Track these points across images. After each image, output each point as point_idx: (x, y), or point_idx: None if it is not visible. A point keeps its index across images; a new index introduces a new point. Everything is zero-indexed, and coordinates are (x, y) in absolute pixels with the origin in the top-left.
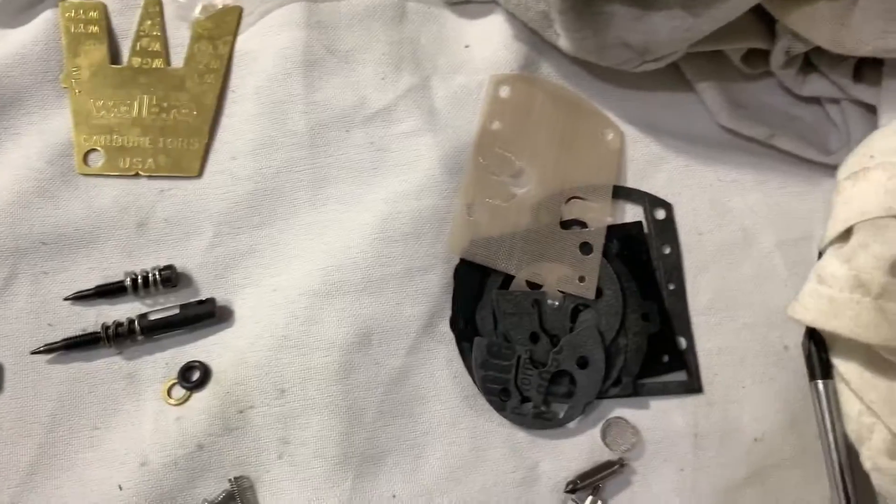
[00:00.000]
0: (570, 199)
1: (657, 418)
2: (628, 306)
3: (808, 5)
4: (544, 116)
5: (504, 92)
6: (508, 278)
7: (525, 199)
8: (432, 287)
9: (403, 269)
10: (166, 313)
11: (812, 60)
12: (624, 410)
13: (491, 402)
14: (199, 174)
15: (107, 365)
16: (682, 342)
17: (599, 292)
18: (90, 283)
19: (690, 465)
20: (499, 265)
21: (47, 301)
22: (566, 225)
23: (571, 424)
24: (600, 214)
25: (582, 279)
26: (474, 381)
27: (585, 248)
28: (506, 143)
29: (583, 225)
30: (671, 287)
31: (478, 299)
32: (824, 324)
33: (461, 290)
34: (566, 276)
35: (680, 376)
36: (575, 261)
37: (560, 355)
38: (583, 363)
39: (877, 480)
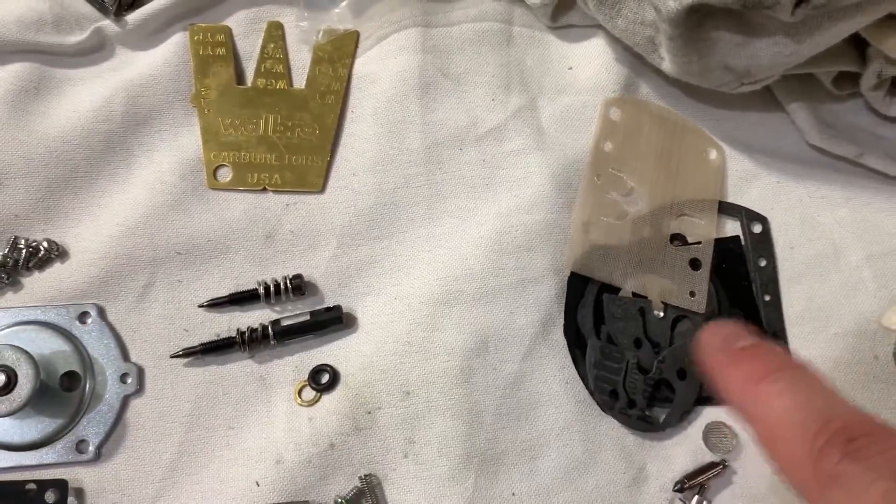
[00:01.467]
0: (678, 216)
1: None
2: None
3: None
4: (652, 137)
5: (615, 114)
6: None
7: (636, 216)
8: (544, 297)
9: (517, 280)
10: (297, 319)
11: None
12: (723, 414)
13: (601, 403)
14: (322, 189)
15: (240, 368)
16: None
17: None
18: (222, 291)
19: None
20: (613, 280)
21: (182, 308)
22: (673, 240)
23: (670, 429)
24: (707, 231)
25: (692, 294)
26: (585, 383)
27: (695, 263)
28: (617, 163)
29: (687, 241)
30: (767, 298)
31: (571, 297)
32: None
33: (574, 300)
34: (676, 290)
35: None
36: (685, 276)
37: (663, 364)
38: (682, 374)
39: None
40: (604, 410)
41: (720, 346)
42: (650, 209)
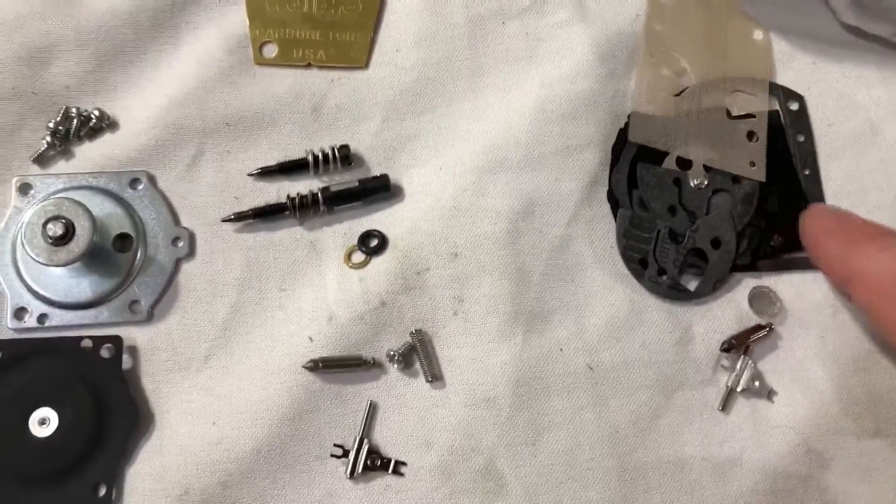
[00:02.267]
0: (732, 92)
1: (799, 290)
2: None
3: None
4: (700, 18)
5: None
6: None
7: (692, 92)
8: (588, 164)
9: (561, 147)
10: (346, 186)
11: None
12: (768, 281)
13: (630, 270)
14: (366, 65)
15: (290, 234)
16: None
17: (737, 179)
18: (270, 161)
19: (830, 333)
20: (676, 151)
21: (232, 177)
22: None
23: (702, 298)
24: (761, 105)
25: (752, 164)
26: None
27: (751, 135)
28: (669, 44)
29: (745, 116)
30: (806, 172)
31: (614, 164)
32: None
33: (618, 167)
34: (736, 160)
35: None
36: (744, 146)
37: (696, 234)
38: (716, 243)
39: None
40: (636, 278)
41: (832, 214)
42: (705, 86)
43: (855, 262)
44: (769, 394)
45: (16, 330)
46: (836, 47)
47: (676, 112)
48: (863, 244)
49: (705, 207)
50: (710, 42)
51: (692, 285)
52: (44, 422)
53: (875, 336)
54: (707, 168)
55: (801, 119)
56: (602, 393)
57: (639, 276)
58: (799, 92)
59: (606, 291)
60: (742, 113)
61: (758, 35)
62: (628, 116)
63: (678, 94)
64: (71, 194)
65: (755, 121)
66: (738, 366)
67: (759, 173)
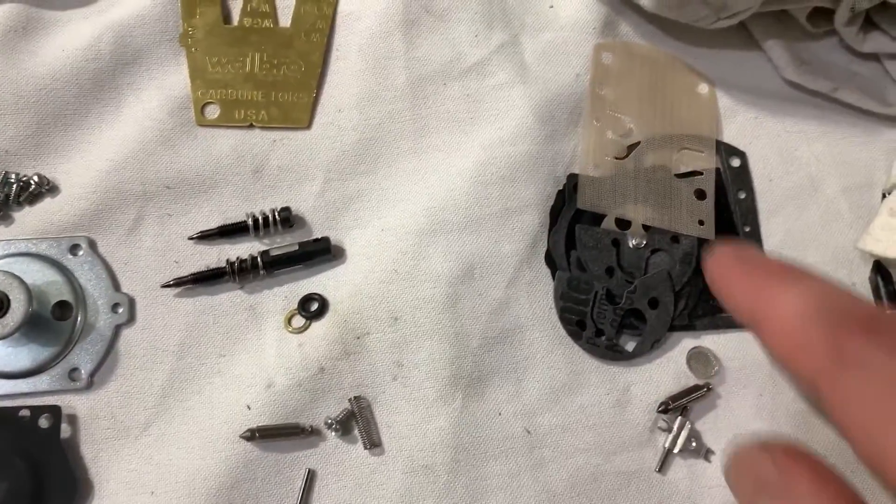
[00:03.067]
0: (679, 150)
1: (737, 349)
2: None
3: None
4: (644, 77)
5: (607, 59)
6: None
7: (638, 152)
8: (528, 225)
9: (501, 210)
10: (286, 250)
11: (873, 19)
12: (706, 340)
13: (568, 332)
14: (309, 125)
15: (230, 298)
16: None
17: (676, 239)
18: (211, 224)
19: (769, 392)
20: (621, 213)
21: (172, 241)
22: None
23: (654, 354)
24: (708, 162)
25: (701, 222)
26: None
27: (700, 193)
28: (614, 105)
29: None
30: (747, 229)
31: (553, 225)
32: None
33: (556, 228)
34: (685, 220)
35: None
36: (692, 205)
37: (634, 294)
38: (654, 303)
39: None
40: (574, 340)
41: (735, 254)
42: (651, 146)
43: (759, 304)
44: (706, 453)
45: None
46: (779, 101)
47: (623, 175)
48: (767, 283)
49: (643, 267)
50: (655, 100)
51: (630, 346)
52: None
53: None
54: (646, 228)
55: (743, 175)
56: (540, 457)
57: (576, 337)
58: (741, 148)
59: (545, 353)
60: (689, 170)
61: (702, 89)
62: (567, 178)
63: (624, 157)
64: (9, 261)
65: (703, 178)
66: (676, 427)
67: (708, 232)
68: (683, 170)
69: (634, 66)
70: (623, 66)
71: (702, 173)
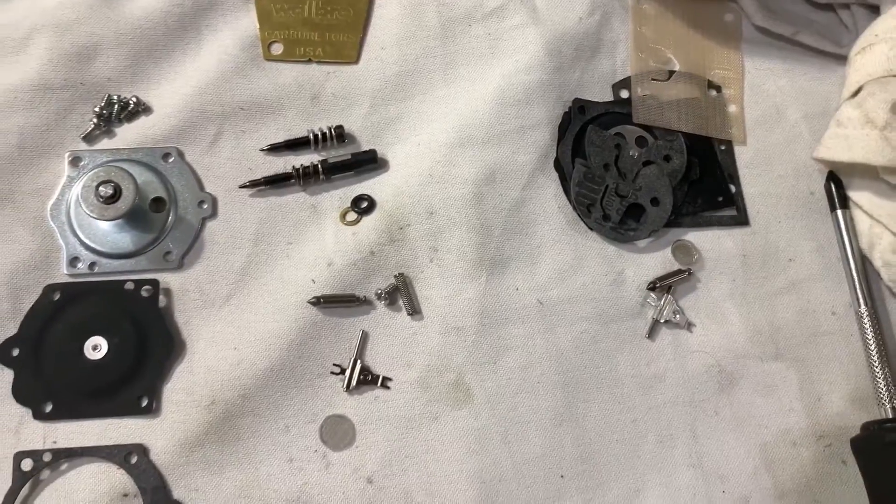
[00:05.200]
0: (712, 70)
1: (714, 243)
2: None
3: None
4: (678, 13)
5: (644, 4)
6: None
7: (678, 75)
8: (539, 140)
9: (517, 127)
10: (341, 159)
11: None
12: (689, 235)
13: (580, 213)
14: (357, 60)
15: (294, 199)
16: (732, 188)
17: (668, 158)
18: (278, 139)
19: (741, 277)
20: (672, 126)
21: (246, 152)
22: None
23: (640, 243)
24: (736, 78)
25: (732, 129)
26: (569, 198)
27: (730, 104)
28: (654, 40)
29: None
30: (723, 148)
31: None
32: (842, 156)
33: (563, 141)
34: (720, 125)
35: (731, 212)
36: (725, 116)
37: (639, 192)
38: (655, 202)
39: (885, 274)
40: (583, 221)
41: None
42: (689, 69)
43: None
44: (688, 325)
45: (71, 275)
46: (749, 45)
47: (667, 94)
48: None
49: (635, 173)
50: (688, 30)
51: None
52: (96, 348)
53: None
54: (640, 144)
55: None
56: (550, 323)
57: (586, 216)
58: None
59: (554, 242)
60: (721, 86)
61: (728, 17)
62: (573, 101)
63: (667, 79)
64: (113, 166)
65: (732, 92)
66: (662, 302)
67: (739, 136)
68: (716, 85)
69: (668, 4)
70: (658, 7)
71: (731, 89)
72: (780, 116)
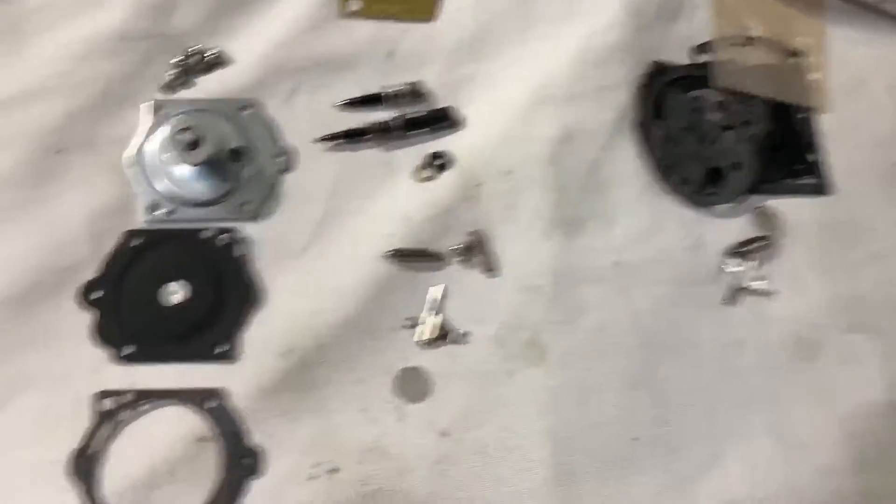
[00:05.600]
0: (794, 37)
1: (794, 210)
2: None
3: None
4: None
5: None
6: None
7: (760, 41)
8: (618, 100)
9: (596, 87)
10: (417, 115)
11: None
12: (769, 203)
13: (659, 176)
14: (433, 19)
15: (370, 155)
16: (813, 156)
17: (747, 122)
18: (354, 95)
19: (821, 247)
20: (752, 91)
21: (322, 107)
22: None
23: (719, 208)
24: (818, 44)
25: (815, 94)
26: (648, 161)
27: (812, 70)
28: (736, 5)
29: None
30: (804, 116)
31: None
32: None
33: (647, 100)
34: (803, 93)
35: (810, 180)
36: (806, 82)
37: (720, 156)
38: (738, 166)
39: None
40: (662, 184)
41: None
42: (768, 34)
43: None
44: (768, 293)
45: (149, 222)
46: (832, 12)
47: (747, 60)
48: None
49: (714, 137)
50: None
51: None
52: (174, 293)
53: None
54: (720, 108)
55: None
56: (626, 284)
57: (665, 180)
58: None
59: (631, 204)
60: (802, 53)
61: None
62: (653, 63)
63: (747, 45)
64: (194, 115)
65: (814, 60)
66: (743, 269)
67: (820, 101)
68: (799, 51)
69: None
70: None
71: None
72: (862, 86)
